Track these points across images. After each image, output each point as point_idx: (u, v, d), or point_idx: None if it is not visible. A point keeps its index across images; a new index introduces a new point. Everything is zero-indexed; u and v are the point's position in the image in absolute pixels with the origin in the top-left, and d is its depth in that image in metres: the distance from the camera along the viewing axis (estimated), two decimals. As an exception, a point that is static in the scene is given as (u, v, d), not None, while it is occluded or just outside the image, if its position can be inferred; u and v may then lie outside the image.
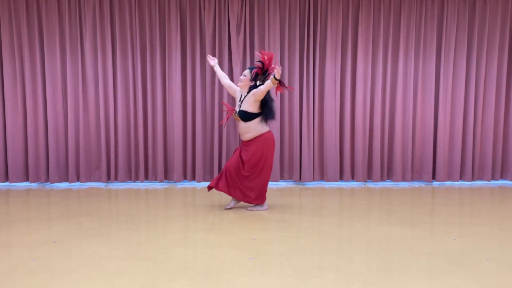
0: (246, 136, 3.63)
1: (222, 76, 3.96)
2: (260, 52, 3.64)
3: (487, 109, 5.45)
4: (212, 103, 5.29)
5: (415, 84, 5.39)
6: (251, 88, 3.62)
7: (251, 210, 3.72)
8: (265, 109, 3.60)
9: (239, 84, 3.71)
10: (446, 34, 5.30)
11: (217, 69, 3.99)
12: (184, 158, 5.33)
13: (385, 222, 3.35)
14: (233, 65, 5.19)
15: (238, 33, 5.19)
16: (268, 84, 3.37)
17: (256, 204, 3.73)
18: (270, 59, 3.57)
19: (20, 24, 5.05)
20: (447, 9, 5.28)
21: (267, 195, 3.87)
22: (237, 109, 3.68)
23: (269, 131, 3.67)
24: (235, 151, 3.77)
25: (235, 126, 5.28)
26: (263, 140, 3.60)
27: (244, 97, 3.63)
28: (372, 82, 5.36)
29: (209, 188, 3.75)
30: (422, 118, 5.41)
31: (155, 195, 4.54)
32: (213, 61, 3.98)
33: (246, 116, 3.56)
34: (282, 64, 5.27)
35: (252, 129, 3.59)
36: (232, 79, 5.24)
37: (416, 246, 2.71)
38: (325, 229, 3.14)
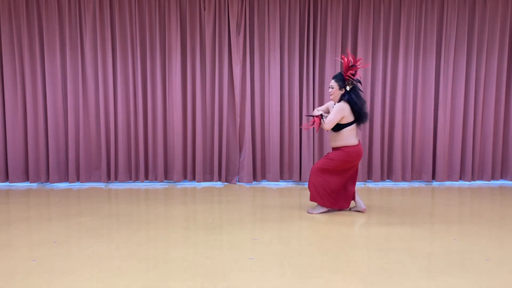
0: (331, 144, 3.61)
1: (320, 110, 3.73)
2: (346, 55, 3.47)
3: (487, 109, 5.45)
4: (212, 103, 5.29)
5: (415, 84, 5.39)
6: (342, 96, 3.50)
7: (311, 212, 3.65)
8: (358, 117, 3.49)
9: (331, 97, 3.60)
10: (446, 33, 5.30)
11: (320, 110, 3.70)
12: (184, 158, 5.33)
13: (385, 222, 3.35)
14: (233, 65, 5.19)
15: (238, 33, 5.19)
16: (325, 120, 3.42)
17: (317, 205, 3.68)
18: (355, 62, 3.45)
19: (20, 24, 5.05)
20: (447, 9, 5.28)
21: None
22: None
23: (356, 145, 3.51)
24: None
25: (234, 127, 5.29)
26: (345, 152, 3.50)
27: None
28: (372, 82, 5.36)
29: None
30: (422, 118, 5.42)
31: (155, 195, 4.53)
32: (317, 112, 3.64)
33: (335, 127, 3.50)
34: (282, 64, 5.27)
35: (338, 138, 3.52)
36: (232, 79, 5.25)
37: (416, 246, 2.71)
38: (325, 229, 3.14)
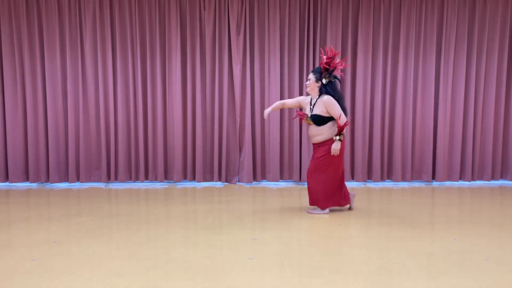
0: (317, 139, 3.56)
1: (283, 103, 3.81)
2: (325, 50, 3.54)
3: (487, 109, 5.46)
4: (212, 103, 5.29)
5: (415, 84, 5.39)
6: (321, 90, 3.53)
7: (311, 212, 3.65)
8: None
9: (307, 89, 3.62)
10: (446, 34, 5.31)
11: (276, 105, 3.82)
12: (184, 158, 5.33)
13: (385, 222, 3.35)
14: (233, 65, 5.19)
15: (238, 33, 5.19)
16: (338, 135, 3.43)
17: (317, 207, 3.66)
18: (334, 55, 3.48)
19: (20, 24, 5.05)
20: (447, 9, 5.28)
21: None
22: (308, 113, 3.59)
23: None
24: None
25: (234, 127, 5.29)
26: (331, 145, 3.50)
27: (316, 100, 3.55)
28: (372, 82, 5.36)
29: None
30: (422, 118, 5.42)
31: (155, 195, 4.53)
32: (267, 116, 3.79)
33: (320, 120, 3.49)
34: (282, 64, 5.27)
35: (324, 131, 3.52)
36: (232, 79, 5.25)
37: (416, 246, 2.71)
38: (325, 229, 3.14)
